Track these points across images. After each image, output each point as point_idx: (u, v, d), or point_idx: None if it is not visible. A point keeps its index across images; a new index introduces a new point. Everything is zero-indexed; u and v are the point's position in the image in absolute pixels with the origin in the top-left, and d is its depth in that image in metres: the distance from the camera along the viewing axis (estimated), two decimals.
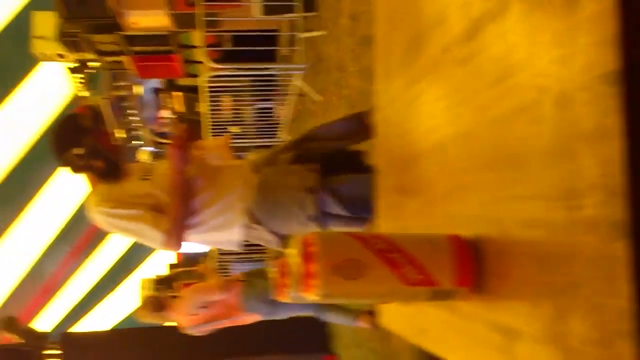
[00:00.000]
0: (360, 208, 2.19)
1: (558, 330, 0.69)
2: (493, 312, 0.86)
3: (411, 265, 0.89)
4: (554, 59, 0.71)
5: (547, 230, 0.72)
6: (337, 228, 2.25)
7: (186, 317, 4.42)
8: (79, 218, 10.02)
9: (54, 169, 8.90)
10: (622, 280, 0.59)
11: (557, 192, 0.69)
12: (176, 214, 2.28)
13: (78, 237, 10.29)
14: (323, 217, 2.24)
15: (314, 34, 6.28)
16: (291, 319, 4.69)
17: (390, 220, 1.35)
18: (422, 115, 1.15)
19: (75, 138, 2.36)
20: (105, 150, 2.40)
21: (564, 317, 0.68)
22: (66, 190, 9.21)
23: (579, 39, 0.66)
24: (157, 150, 9.67)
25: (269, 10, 6.64)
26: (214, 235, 2.38)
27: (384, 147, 1.43)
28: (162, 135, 10.73)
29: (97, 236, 10.32)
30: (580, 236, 0.66)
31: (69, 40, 8.17)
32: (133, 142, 9.84)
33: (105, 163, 2.38)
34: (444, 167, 1.03)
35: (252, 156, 2.52)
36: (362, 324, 4.68)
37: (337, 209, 2.24)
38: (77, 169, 2.39)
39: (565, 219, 0.68)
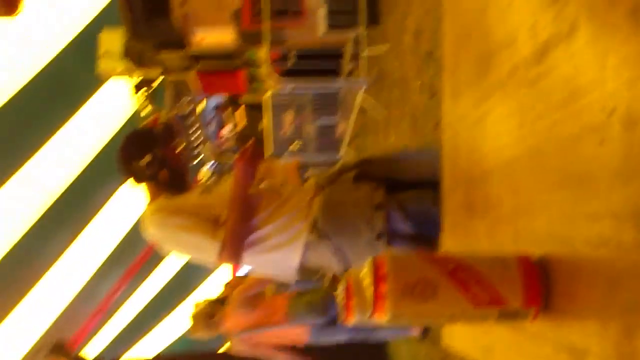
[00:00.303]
0: (428, 225, 2.16)
1: (626, 350, 0.70)
2: (560, 332, 0.87)
3: (481, 286, 0.90)
4: (623, 82, 0.72)
5: (616, 249, 0.72)
6: (403, 248, 2.23)
7: (234, 319, 4.40)
8: (134, 239, 10.20)
9: (113, 189, 9.12)
10: None
11: (625, 212, 0.70)
12: (234, 225, 2.20)
13: (133, 259, 10.38)
14: (391, 236, 2.22)
15: (377, 49, 6.31)
16: (346, 351, 4.61)
17: (457, 238, 1.36)
18: (491, 133, 1.17)
19: (144, 148, 2.38)
20: (172, 162, 2.42)
21: (632, 336, 0.69)
22: (122, 211, 9.37)
23: None
24: (218, 166, 9.83)
25: (333, 26, 6.71)
26: (273, 256, 2.28)
27: (451, 164, 1.44)
28: (224, 151, 10.92)
29: (152, 258, 10.41)
30: None
31: (134, 57, 8.42)
32: (195, 158, 10.03)
33: (171, 174, 2.40)
34: (513, 186, 1.04)
35: (314, 177, 2.50)
36: (414, 331, 4.65)
37: (404, 226, 2.22)
38: (141, 178, 2.39)
39: (634, 239, 0.69)
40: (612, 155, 0.73)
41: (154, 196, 2.40)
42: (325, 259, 2.25)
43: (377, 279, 0.91)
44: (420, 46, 5.14)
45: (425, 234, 2.19)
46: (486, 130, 1.20)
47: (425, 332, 4.58)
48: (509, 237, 1.05)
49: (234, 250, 2.20)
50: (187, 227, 2.22)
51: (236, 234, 2.20)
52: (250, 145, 2.33)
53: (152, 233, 2.32)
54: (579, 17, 0.83)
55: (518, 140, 1.04)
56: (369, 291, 0.92)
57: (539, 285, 0.90)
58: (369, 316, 0.96)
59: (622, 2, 0.71)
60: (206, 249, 2.22)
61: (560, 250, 0.87)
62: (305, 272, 2.33)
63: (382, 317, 0.92)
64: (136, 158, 2.37)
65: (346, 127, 7.79)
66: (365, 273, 0.96)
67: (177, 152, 2.47)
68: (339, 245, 2.21)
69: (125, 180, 2.48)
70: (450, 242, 1.39)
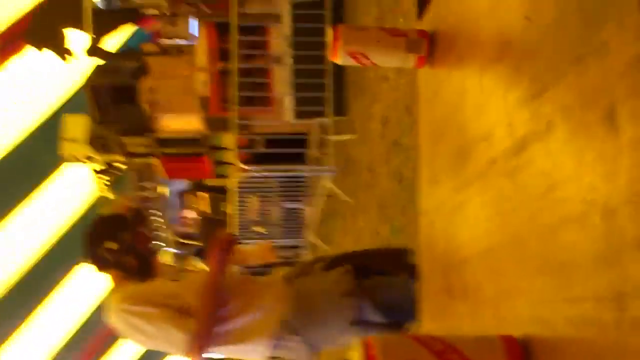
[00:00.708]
0: (398, 312, 2.22)
1: None
2: None
3: None
4: (600, 175, 0.80)
5: (598, 329, 0.79)
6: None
7: None
8: (91, 322, 9.96)
9: (69, 269, 8.95)
10: None
11: (607, 294, 0.77)
12: (205, 316, 2.17)
13: (88, 343, 10.12)
14: (362, 324, 2.25)
15: (344, 137, 6.49)
16: None
17: (437, 322, 1.41)
18: (469, 221, 1.24)
19: (112, 233, 2.36)
20: (139, 249, 2.41)
21: None
22: (77, 295, 9.18)
23: (621, 160, 0.75)
24: (179, 251, 9.76)
25: (300, 114, 6.89)
26: (242, 348, 2.27)
27: (428, 250, 1.51)
28: (185, 236, 10.87)
29: (106, 344, 10.14)
30: (628, 336, 0.73)
31: (98, 143, 8.45)
32: (155, 243, 9.91)
33: (139, 261, 2.38)
34: (493, 271, 1.11)
35: (282, 271, 2.53)
36: None
37: (375, 317, 2.26)
38: (107, 264, 2.35)
39: (615, 319, 0.75)
40: (592, 243, 0.81)
41: (119, 283, 2.36)
42: (296, 354, 2.25)
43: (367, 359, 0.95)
44: (387, 134, 5.31)
45: (396, 321, 2.24)
46: (464, 218, 1.28)
47: None
48: (491, 320, 1.11)
49: (202, 345, 2.17)
50: (154, 317, 2.18)
51: (206, 329, 2.16)
52: (227, 235, 2.37)
53: (115, 322, 2.26)
54: (555, 117, 0.92)
55: (497, 228, 1.11)
56: None
57: None
58: None
59: (597, 106, 0.80)
60: (173, 342, 2.18)
61: (542, 331, 0.93)
62: None
63: None
64: (102, 243, 2.34)
65: (312, 212, 7.87)
66: (353, 354, 1.00)
67: (145, 238, 2.46)
68: (309, 339, 2.22)
69: (91, 265, 2.43)
70: (431, 326, 1.44)
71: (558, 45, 0.92)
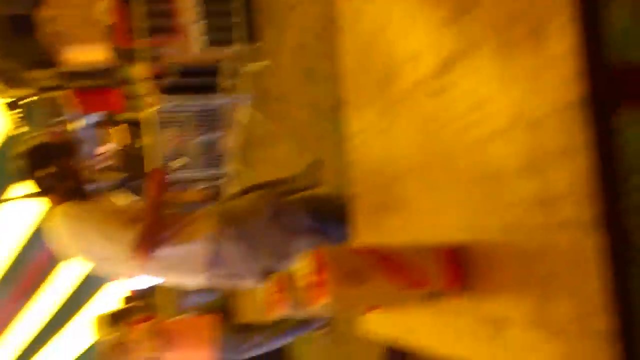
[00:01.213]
0: (324, 218, 2.37)
1: (543, 314, 0.83)
2: (480, 306, 1.00)
3: (406, 271, 1.02)
4: (525, 90, 0.86)
5: (526, 233, 0.86)
6: (305, 241, 2.35)
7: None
8: (20, 259, 9.77)
9: None
10: (592, 266, 0.74)
11: (533, 200, 0.84)
12: (152, 222, 2.26)
13: (20, 279, 10.00)
14: (288, 225, 2.37)
15: (258, 64, 6.42)
16: None
17: (372, 236, 1.48)
18: (399, 140, 1.30)
19: (48, 159, 2.47)
20: (77, 173, 2.51)
21: (549, 300, 0.82)
22: (3, 232, 8.98)
23: (546, 74, 0.81)
24: (96, 185, 9.56)
25: (211, 42, 6.75)
26: (182, 253, 2.33)
27: (359, 169, 1.56)
28: (106, 169, 10.63)
29: (41, 275, 10.06)
30: (556, 235, 0.80)
31: (5, 77, 8.10)
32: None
33: (75, 184, 2.47)
34: (425, 186, 1.17)
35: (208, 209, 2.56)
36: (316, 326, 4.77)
37: (301, 217, 2.39)
38: (46, 189, 2.45)
39: (542, 222, 0.83)
40: (519, 154, 0.87)
41: (57, 204, 2.43)
42: (232, 258, 2.34)
43: (318, 268, 1.01)
44: (299, 62, 5.29)
45: (324, 229, 2.36)
46: (394, 138, 1.33)
47: (325, 326, 4.72)
48: (425, 232, 1.18)
49: (148, 244, 2.24)
50: (100, 220, 2.28)
51: (152, 230, 2.26)
52: (157, 169, 2.43)
53: (60, 233, 2.32)
54: (480, 35, 0.97)
55: (427, 146, 1.17)
56: (309, 279, 1.02)
57: (457, 267, 1.03)
58: (305, 304, 1.05)
59: (523, 24, 0.85)
60: (120, 241, 2.25)
61: (475, 238, 1.01)
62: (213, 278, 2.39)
63: (323, 302, 1.01)
64: (40, 167, 2.44)
65: (231, 143, 7.84)
66: (304, 264, 1.05)
67: (76, 167, 2.54)
68: (241, 233, 2.34)
69: (29, 189, 2.51)
70: (366, 238, 1.51)
71: None
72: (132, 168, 8.72)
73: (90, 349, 11.69)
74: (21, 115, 8.70)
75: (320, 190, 3.36)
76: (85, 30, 7.73)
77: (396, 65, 1.30)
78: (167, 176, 2.51)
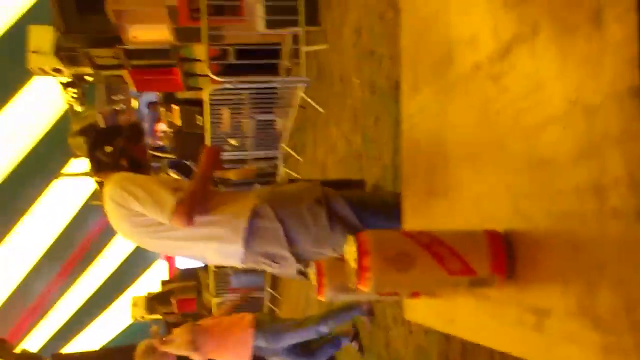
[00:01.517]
0: (368, 214, 2.34)
1: (588, 303, 0.82)
2: (524, 295, 0.98)
3: (453, 257, 1.01)
4: (584, 75, 0.84)
5: (578, 220, 0.84)
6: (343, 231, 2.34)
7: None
8: (70, 235, 10.04)
9: (46, 184, 8.95)
10: None
11: (586, 187, 0.82)
12: (195, 191, 2.33)
13: (69, 255, 10.26)
14: (331, 213, 2.36)
15: (317, 47, 6.43)
16: None
17: (419, 221, 1.47)
18: (453, 123, 1.28)
19: (107, 139, 2.60)
20: (133, 154, 2.62)
21: (594, 291, 0.81)
22: (56, 207, 9.22)
23: (606, 58, 0.79)
24: (154, 164, 9.76)
25: (271, 24, 6.79)
26: (220, 220, 2.37)
27: (411, 152, 1.56)
28: (158, 149, 10.85)
29: (88, 254, 10.31)
30: (608, 223, 0.78)
31: (65, 55, 8.26)
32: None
33: (130, 163, 2.58)
34: (476, 170, 1.16)
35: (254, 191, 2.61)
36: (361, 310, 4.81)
37: (344, 209, 2.37)
38: (103, 166, 2.57)
39: (595, 209, 0.81)
40: (575, 139, 0.85)
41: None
42: (268, 237, 2.36)
43: (361, 253, 1.01)
44: (360, 44, 5.27)
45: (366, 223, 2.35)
46: (447, 121, 1.32)
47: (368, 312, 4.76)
48: (474, 217, 1.17)
49: (190, 209, 2.28)
50: (150, 185, 2.36)
51: (195, 197, 2.32)
52: (213, 146, 2.52)
53: (113, 192, 2.38)
54: (541, 18, 0.94)
55: (481, 130, 1.15)
56: (353, 264, 1.02)
57: (505, 255, 1.01)
58: (350, 289, 1.06)
59: (583, 7, 0.83)
60: (164, 204, 2.28)
61: (525, 225, 0.99)
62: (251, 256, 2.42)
63: (365, 287, 1.02)
64: (101, 147, 2.56)
65: (285, 124, 7.88)
66: (348, 248, 1.05)
67: (140, 149, 2.69)
68: (281, 214, 2.36)
69: (90, 167, 2.64)
70: (413, 223, 1.50)
71: None
72: (183, 149, 8.86)
73: (129, 327, 12.03)
74: (79, 93, 8.87)
75: (370, 189, 3.39)
76: (150, 10, 7.85)
77: (454, 48, 1.28)
78: (221, 153, 2.55)
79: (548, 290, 0.92)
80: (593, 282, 0.81)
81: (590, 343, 0.81)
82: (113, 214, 2.42)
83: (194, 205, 2.30)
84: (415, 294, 1.41)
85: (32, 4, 8.24)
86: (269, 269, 2.50)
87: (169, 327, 11.58)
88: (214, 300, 9.51)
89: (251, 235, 2.35)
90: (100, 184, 2.56)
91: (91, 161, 2.60)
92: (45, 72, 8.14)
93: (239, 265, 2.47)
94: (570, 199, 0.86)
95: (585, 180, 0.83)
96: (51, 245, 9.66)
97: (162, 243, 2.46)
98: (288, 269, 2.43)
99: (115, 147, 2.56)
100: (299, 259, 2.39)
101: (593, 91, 0.82)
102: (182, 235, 2.36)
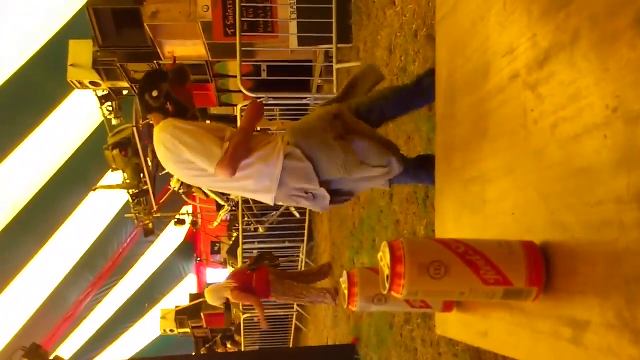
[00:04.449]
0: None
1: (628, 316, 0.79)
2: (562, 308, 0.96)
3: (489, 267, 1.00)
4: (625, 83, 0.82)
5: (618, 229, 0.82)
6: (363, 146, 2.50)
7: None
8: (104, 246, 10.15)
9: (81, 196, 9.06)
10: None
11: (629, 196, 0.80)
12: (240, 141, 2.51)
13: (102, 266, 10.37)
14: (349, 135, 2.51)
15: (349, 64, 6.44)
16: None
17: (456, 229, 1.45)
18: (490, 134, 1.27)
19: (154, 83, 2.74)
20: (178, 98, 2.75)
21: (634, 304, 0.78)
22: (91, 218, 9.33)
23: None
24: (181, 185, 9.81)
25: (304, 41, 6.82)
26: (258, 166, 2.57)
27: (444, 163, 1.54)
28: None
29: (121, 266, 10.40)
30: None
31: (103, 69, 8.39)
32: (161, 170, 10.04)
33: (175, 107, 2.72)
34: (513, 182, 1.14)
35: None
36: None
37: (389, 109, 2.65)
38: (150, 108, 2.74)
39: (636, 218, 0.79)
40: (615, 148, 0.84)
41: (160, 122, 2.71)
42: (303, 168, 2.56)
43: (394, 260, 1.00)
44: (392, 61, 5.27)
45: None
46: (483, 131, 1.30)
47: None
48: (509, 229, 1.15)
49: (234, 160, 2.49)
50: (199, 134, 2.54)
51: (240, 149, 2.51)
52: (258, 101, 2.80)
53: (165, 138, 2.58)
54: (581, 26, 0.93)
55: (518, 140, 1.14)
56: (386, 270, 1.01)
57: (542, 266, 0.99)
58: (384, 293, 1.05)
59: (625, 14, 0.82)
60: (211, 154, 2.50)
61: (561, 235, 0.97)
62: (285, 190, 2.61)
63: (398, 294, 1.00)
64: (148, 91, 2.72)
65: None
66: (382, 255, 1.04)
67: (185, 91, 2.80)
68: (309, 149, 2.55)
69: (140, 108, 2.93)
70: (449, 232, 1.49)
71: None
72: None
73: (158, 340, 12.10)
74: (115, 106, 8.99)
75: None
76: (185, 25, 7.95)
77: (492, 58, 1.27)
78: (263, 106, 2.74)
79: (586, 303, 0.90)
80: (633, 294, 0.79)
81: (629, 358, 0.79)
82: (162, 156, 2.65)
83: (238, 158, 2.50)
84: (447, 307, 1.39)
85: (72, 18, 8.41)
86: (302, 203, 2.68)
87: (197, 341, 11.61)
88: (242, 317, 9.51)
89: (282, 177, 2.57)
90: (151, 126, 2.73)
91: (141, 104, 2.78)
92: (83, 86, 8.28)
93: (271, 203, 2.67)
94: (609, 209, 0.85)
95: (625, 189, 0.81)
96: (85, 256, 9.78)
97: (201, 181, 2.73)
98: (320, 202, 2.62)
99: (161, 91, 2.69)
100: (330, 190, 2.60)
101: (633, 100, 0.81)
102: (220, 179, 2.59)
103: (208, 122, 3.00)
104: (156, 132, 2.65)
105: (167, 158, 2.62)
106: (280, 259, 8.55)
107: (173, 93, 2.71)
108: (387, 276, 1.01)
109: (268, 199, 2.65)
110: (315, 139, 2.54)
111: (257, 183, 2.59)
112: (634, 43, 0.81)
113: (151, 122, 2.77)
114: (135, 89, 8.96)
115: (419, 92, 2.61)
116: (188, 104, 2.78)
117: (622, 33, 0.83)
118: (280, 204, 2.71)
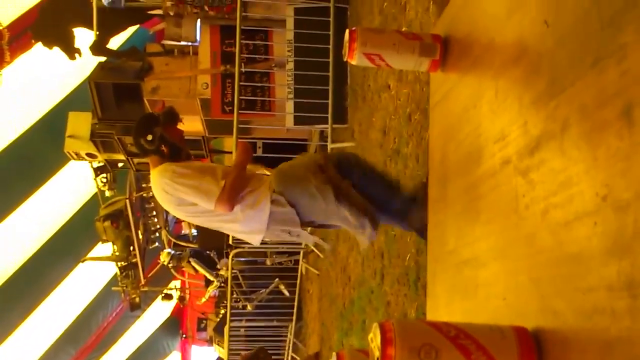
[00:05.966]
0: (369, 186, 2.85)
1: None
2: None
3: (480, 352, 0.99)
4: (614, 172, 0.84)
5: (610, 318, 0.82)
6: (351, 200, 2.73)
7: None
8: (88, 319, 9.98)
9: (69, 267, 8.97)
10: None
11: (620, 283, 0.81)
12: (235, 180, 2.72)
13: (86, 339, 10.16)
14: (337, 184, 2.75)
15: (343, 144, 6.53)
16: None
17: (447, 313, 1.45)
18: (483, 218, 1.28)
19: (148, 127, 2.90)
20: (171, 139, 2.91)
21: None
22: (77, 290, 9.21)
23: (636, 156, 0.80)
24: (175, 252, 9.77)
25: (300, 120, 6.94)
26: (250, 212, 2.79)
27: (436, 249, 1.55)
28: (181, 238, 10.88)
29: (104, 341, 10.19)
30: None
31: (100, 141, 8.46)
32: (151, 244, 9.99)
33: (170, 149, 2.89)
34: (504, 267, 1.15)
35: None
36: None
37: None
38: (146, 152, 2.93)
39: (628, 306, 0.79)
40: (605, 235, 0.85)
41: (156, 165, 2.90)
42: (286, 213, 2.79)
43: (385, 341, 0.99)
44: (386, 143, 5.35)
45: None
46: (476, 216, 1.32)
47: None
48: (500, 313, 1.15)
49: (231, 197, 2.71)
50: (196, 176, 2.76)
51: (236, 185, 2.74)
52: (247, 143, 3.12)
53: (163, 182, 2.78)
54: (571, 116, 0.96)
55: (508, 225, 1.15)
56: (377, 353, 1.00)
57: (534, 352, 0.98)
58: None
59: (613, 106, 0.84)
60: (210, 191, 2.71)
61: (553, 322, 0.97)
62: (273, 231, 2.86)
63: None
64: (143, 135, 2.90)
65: None
66: (372, 336, 1.03)
67: (177, 132, 2.98)
68: (292, 196, 2.79)
69: (137, 152, 3.18)
70: (440, 316, 1.47)
71: (576, 48, 0.96)
72: (206, 239, 8.91)
73: None
74: (110, 178, 9.01)
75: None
76: (184, 101, 8.08)
77: (484, 144, 1.30)
78: (250, 146, 3.02)
79: None
80: None
81: None
82: (162, 199, 2.86)
83: (234, 194, 2.72)
84: None
85: (73, 90, 8.55)
86: (287, 238, 2.99)
87: None
88: None
89: (269, 224, 2.80)
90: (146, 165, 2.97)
91: (137, 148, 2.98)
92: (79, 157, 8.32)
93: (257, 243, 2.96)
94: (601, 296, 0.85)
95: (616, 276, 0.82)
96: (69, 329, 9.59)
97: (199, 219, 2.96)
98: (304, 239, 3.17)
99: (155, 135, 2.86)
100: (314, 228, 2.97)
101: (624, 188, 0.82)
102: (217, 217, 2.82)
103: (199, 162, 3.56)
104: (154, 176, 2.85)
105: (167, 201, 2.83)
106: (267, 338, 8.39)
107: (166, 135, 2.89)
108: (377, 358, 1.00)
109: (256, 240, 2.91)
110: (299, 187, 2.78)
111: (246, 226, 2.83)
112: (621, 134, 0.83)
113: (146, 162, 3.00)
114: (131, 162, 9.03)
115: (404, 215, 2.88)
116: (181, 144, 2.98)
117: (611, 124, 0.85)
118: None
